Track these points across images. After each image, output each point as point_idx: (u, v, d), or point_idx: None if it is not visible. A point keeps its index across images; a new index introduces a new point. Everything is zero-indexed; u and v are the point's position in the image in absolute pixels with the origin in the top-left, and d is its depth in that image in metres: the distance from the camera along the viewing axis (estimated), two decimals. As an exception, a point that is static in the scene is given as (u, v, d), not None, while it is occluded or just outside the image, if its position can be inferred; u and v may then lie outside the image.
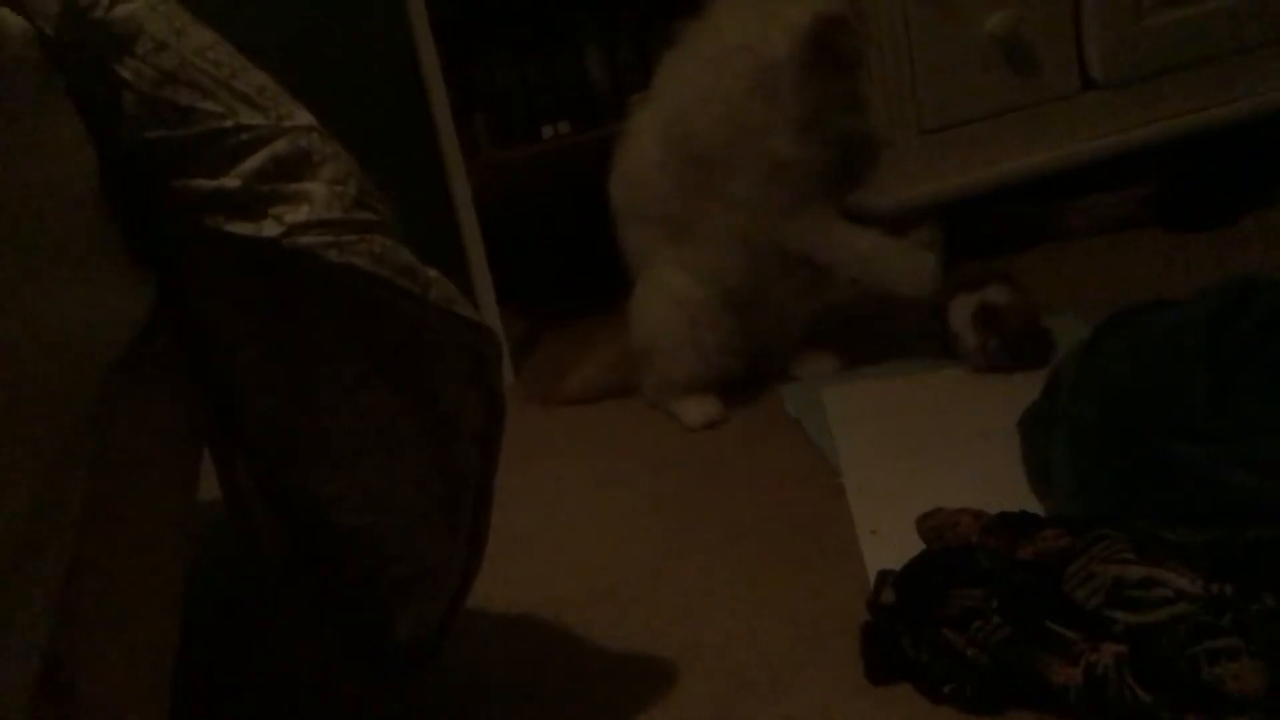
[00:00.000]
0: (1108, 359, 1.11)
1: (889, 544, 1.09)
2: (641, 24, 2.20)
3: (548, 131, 2.10)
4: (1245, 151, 1.94)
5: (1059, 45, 1.90)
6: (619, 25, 2.19)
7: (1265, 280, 1.17)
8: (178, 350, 0.87)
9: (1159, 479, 0.98)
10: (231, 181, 0.79)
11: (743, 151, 1.49)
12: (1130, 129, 1.91)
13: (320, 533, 0.94)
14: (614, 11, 2.19)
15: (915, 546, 1.03)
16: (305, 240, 0.80)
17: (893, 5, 1.83)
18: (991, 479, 1.20)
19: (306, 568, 1.01)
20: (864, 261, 1.53)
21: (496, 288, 1.90)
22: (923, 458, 1.32)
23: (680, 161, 1.54)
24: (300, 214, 0.80)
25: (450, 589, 0.97)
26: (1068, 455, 1.08)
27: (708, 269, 1.55)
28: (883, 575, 0.99)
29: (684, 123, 1.53)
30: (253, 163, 0.79)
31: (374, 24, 1.96)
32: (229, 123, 0.79)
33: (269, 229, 0.79)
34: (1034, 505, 1.10)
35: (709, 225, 1.55)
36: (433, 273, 0.86)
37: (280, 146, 0.80)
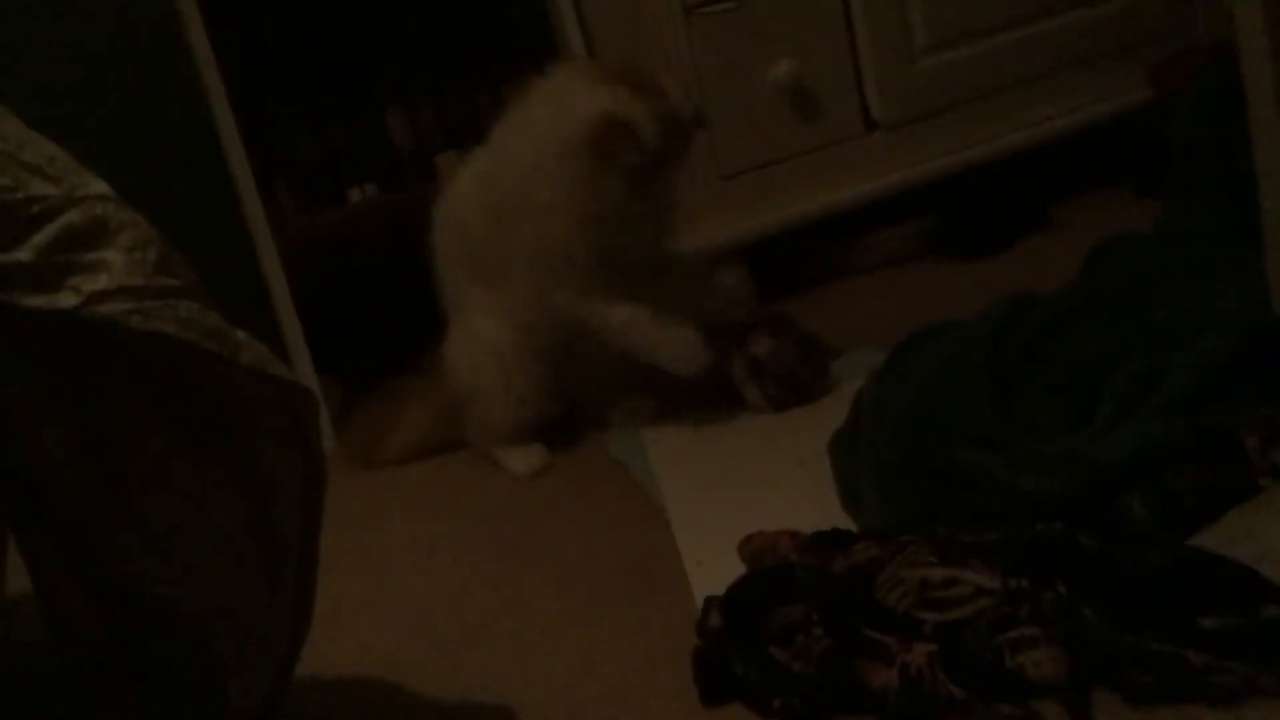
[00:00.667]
0: (899, 382, 1.18)
1: (715, 572, 1.12)
2: (439, 85, 2.22)
3: (355, 195, 2.09)
4: (1016, 180, 2.09)
5: (841, 91, 2.00)
6: (418, 87, 2.21)
7: (1038, 297, 1.26)
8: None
9: (953, 486, 1.04)
10: (24, 254, 0.77)
11: (526, 221, 1.50)
12: (911, 166, 2.03)
13: (138, 610, 0.91)
14: (412, 74, 2.22)
15: (740, 572, 1.07)
16: (106, 309, 0.78)
17: (682, 56, 1.90)
18: (807, 502, 1.25)
19: (126, 651, 0.98)
20: (633, 341, 1.52)
21: (312, 356, 1.87)
22: (742, 489, 1.37)
23: (487, 211, 1.55)
24: (99, 283, 0.78)
25: (278, 656, 0.96)
26: (871, 473, 1.14)
27: (515, 318, 1.57)
28: (709, 601, 1.02)
29: (494, 177, 1.55)
30: (46, 234, 0.78)
31: (169, 98, 1.93)
32: (19, 195, 0.77)
33: (66, 300, 0.78)
34: (847, 523, 1.15)
35: (513, 277, 1.56)
36: (242, 335, 0.85)
37: (74, 216, 0.79)
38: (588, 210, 1.44)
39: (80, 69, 2.01)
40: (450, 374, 1.63)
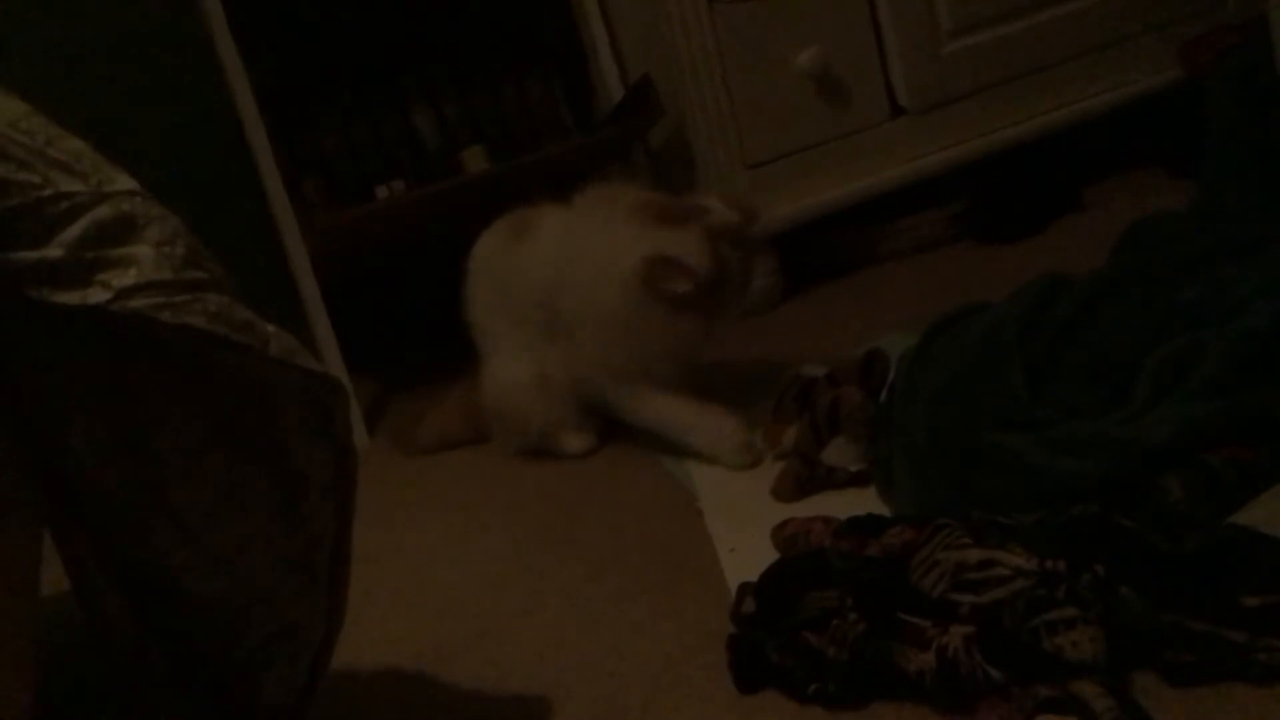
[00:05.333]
0: (931, 363, 1.17)
1: (748, 559, 1.11)
2: (464, 80, 2.23)
3: (382, 192, 2.10)
4: (1048, 163, 2.07)
5: (867, 77, 2.00)
6: (443, 83, 2.21)
7: (1069, 277, 1.25)
8: (8, 431, 0.84)
9: (987, 469, 1.03)
10: (54, 251, 0.78)
11: (579, 325, 1.50)
12: (940, 151, 2.03)
13: (172, 604, 0.92)
14: (436, 70, 2.22)
15: (773, 559, 1.06)
16: (136, 304, 0.79)
17: (706, 47, 1.90)
18: (840, 490, 1.25)
19: (161, 646, 0.99)
20: (684, 435, 1.48)
21: (344, 353, 1.88)
22: (774, 476, 1.36)
23: (547, 287, 1.54)
24: (128, 278, 0.79)
25: (312, 648, 0.96)
26: (904, 458, 1.13)
27: (553, 368, 1.57)
28: (743, 587, 1.02)
29: (557, 283, 1.52)
30: (75, 230, 0.78)
31: (197, 99, 1.95)
32: (47, 192, 0.78)
33: (96, 295, 0.78)
34: (881, 509, 1.15)
35: (558, 343, 1.55)
36: (272, 327, 0.86)
37: (102, 212, 0.79)
38: (642, 338, 1.44)
39: (108, 70, 2.03)
40: (487, 398, 1.64)
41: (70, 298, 0.78)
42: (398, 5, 2.27)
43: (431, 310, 1.75)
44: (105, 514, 0.89)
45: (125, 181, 0.82)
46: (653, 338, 1.43)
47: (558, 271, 1.52)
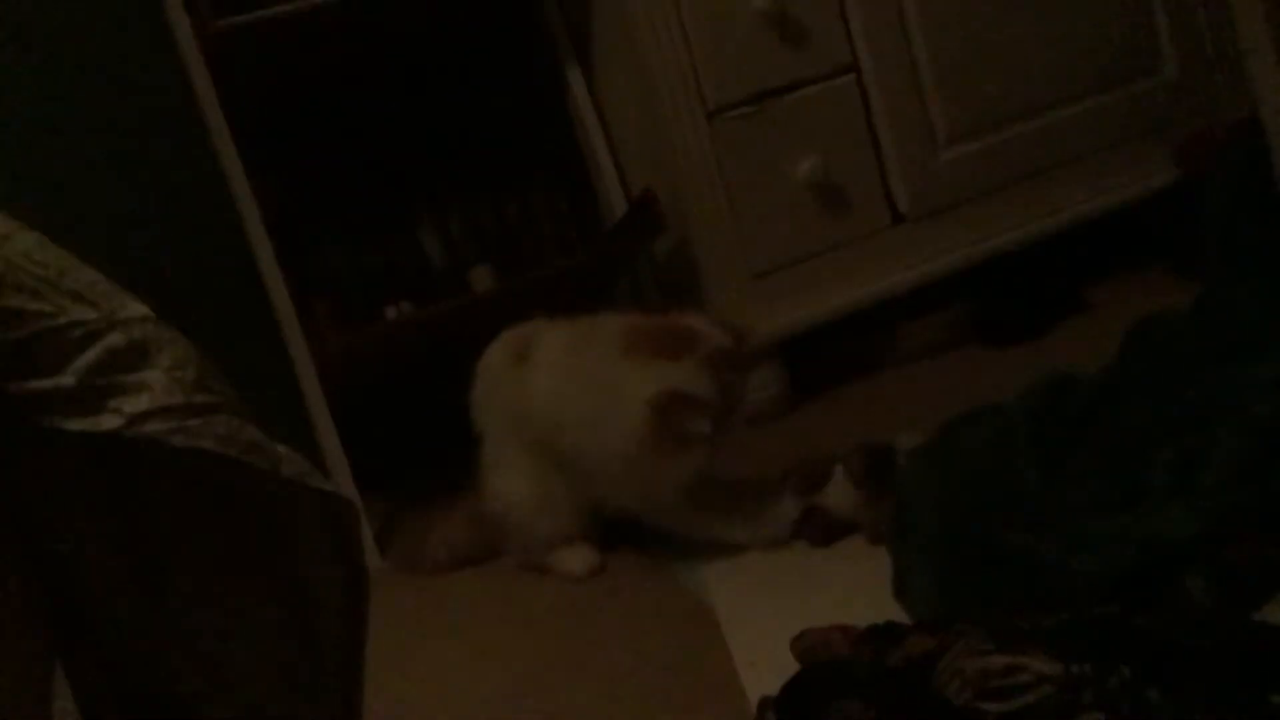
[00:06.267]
0: (942, 464, 1.17)
1: (768, 672, 1.09)
2: (468, 197, 2.26)
3: (391, 312, 2.12)
4: (1050, 265, 2.08)
5: (866, 185, 2.03)
6: (448, 201, 2.25)
7: (1078, 374, 1.25)
8: (19, 559, 0.84)
9: (1004, 569, 1.02)
10: (67, 379, 0.78)
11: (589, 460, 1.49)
12: (941, 256, 2.04)
13: (186, 734, 0.91)
14: (443, 188, 2.26)
15: (793, 671, 1.04)
16: (148, 429, 0.79)
17: (706, 161, 1.93)
18: (857, 597, 1.23)
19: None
20: (720, 529, 1.48)
21: (354, 473, 1.88)
22: (790, 585, 1.34)
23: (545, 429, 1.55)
24: (141, 403, 0.79)
25: (328, 774, 0.94)
26: (919, 562, 1.12)
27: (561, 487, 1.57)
28: (764, 702, 1.00)
29: (557, 420, 1.52)
30: (88, 357, 0.79)
31: (206, 221, 1.98)
32: (60, 320, 0.79)
33: (109, 422, 0.78)
34: (900, 616, 1.13)
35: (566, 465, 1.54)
36: (282, 448, 0.86)
37: (115, 339, 0.80)
38: (651, 474, 1.43)
39: (114, 192, 2.07)
40: (491, 502, 1.63)
41: (83, 425, 0.78)
42: (403, 127, 2.32)
43: (441, 428, 1.75)
44: (118, 643, 0.88)
45: (138, 308, 0.83)
46: (661, 473, 1.42)
47: (557, 409, 1.51)
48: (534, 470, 1.58)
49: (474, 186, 2.27)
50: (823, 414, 1.99)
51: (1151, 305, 1.61)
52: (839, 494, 1.40)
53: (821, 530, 1.40)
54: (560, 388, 1.52)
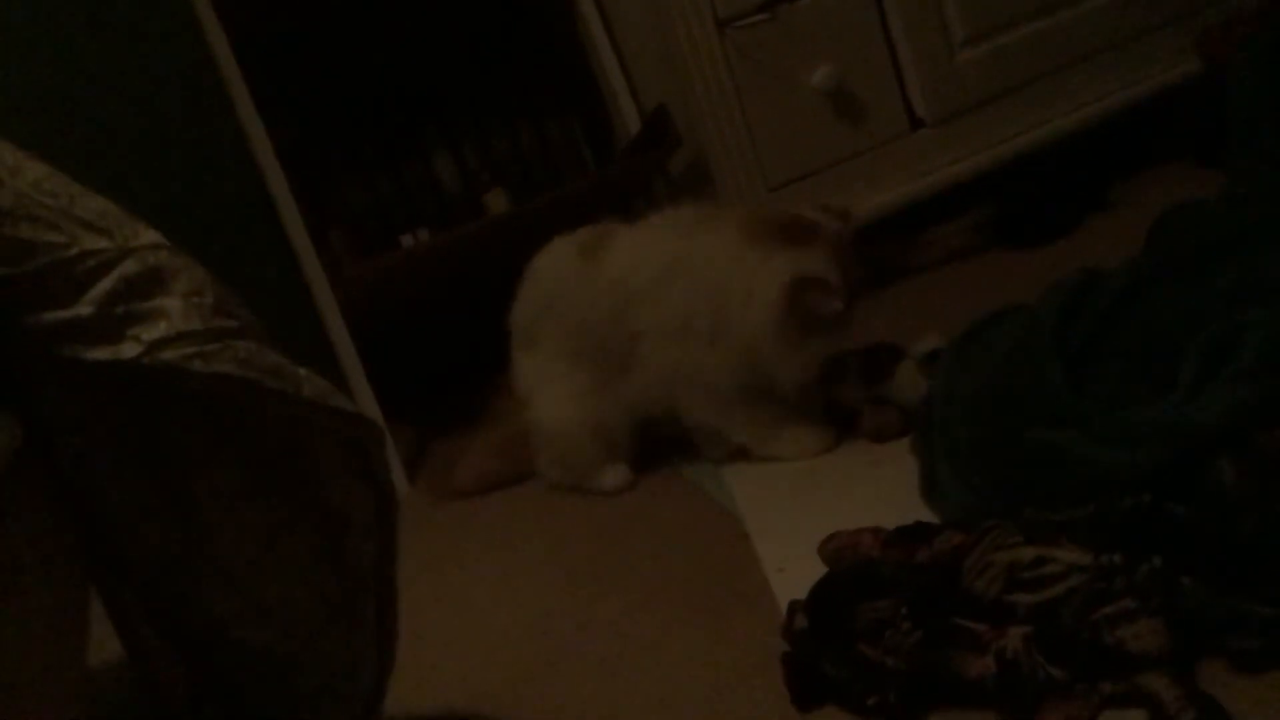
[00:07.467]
0: (969, 367, 1.16)
1: (797, 577, 1.09)
2: (481, 123, 2.25)
3: (407, 240, 2.11)
4: (1073, 163, 2.05)
5: (883, 91, 1.99)
6: (461, 128, 2.23)
7: (1102, 271, 1.23)
8: (50, 492, 0.85)
9: (1034, 467, 1.02)
10: (84, 309, 0.78)
11: (695, 344, 1.45)
12: (962, 160, 2.01)
13: (221, 656, 0.92)
14: (455, 115, 2.24)
15: (822, 575, 1.05)
16: (167, 355, 0.79)
17: (719, 73, 1.90)
18: (884, 500, 1.23)
19: (214, 700, 0.98)
20: (754, 445, 1.49)
21: (380, 403, 1.89)
22: (817, 492, 1.35)
23: (617, 326, 1.50)
24: (159, 330, 0.79)
25: (364, 692, 0.95)
26: (947, 464, 1.11)
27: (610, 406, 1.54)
28: (794, 604, 1.00)
29: (650, 303, 1.48)
30: (103, 287, 0.79)
31: (219, 158, 1.98)
32: (74, 250, 0.78)
33: (128, 350, 0.78)
34: (928, 517, 1.13)
35: (628, 372, 1.51)
36: (303, 371, 0.86)
37: (129, 267, 0.80)
38: (780, 360, 1.41)
39: (127, 131, 2.06)
40: (532, 424, 1.61)
41: (102, 354, 0.78)
42: (413, 54, 2.29)
43: (464, 354, 1.75)
44: (149, 568, 0.89)
45: (150, 235, 0.83)
46: (791, 359, 1.41)
47: (652, 301, 1.46)
48: (587, 388, 1.54)
49: (486, 111, 2.25)
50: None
51: (1177, 198, 1.59)
52: (906, 385, 1.40)
53: (891, 423, 1.40)
54: (659, 279, 1.46)
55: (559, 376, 1.57)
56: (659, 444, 1.60)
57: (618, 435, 1.56)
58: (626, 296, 1.48)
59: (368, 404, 1.85)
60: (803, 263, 1.37)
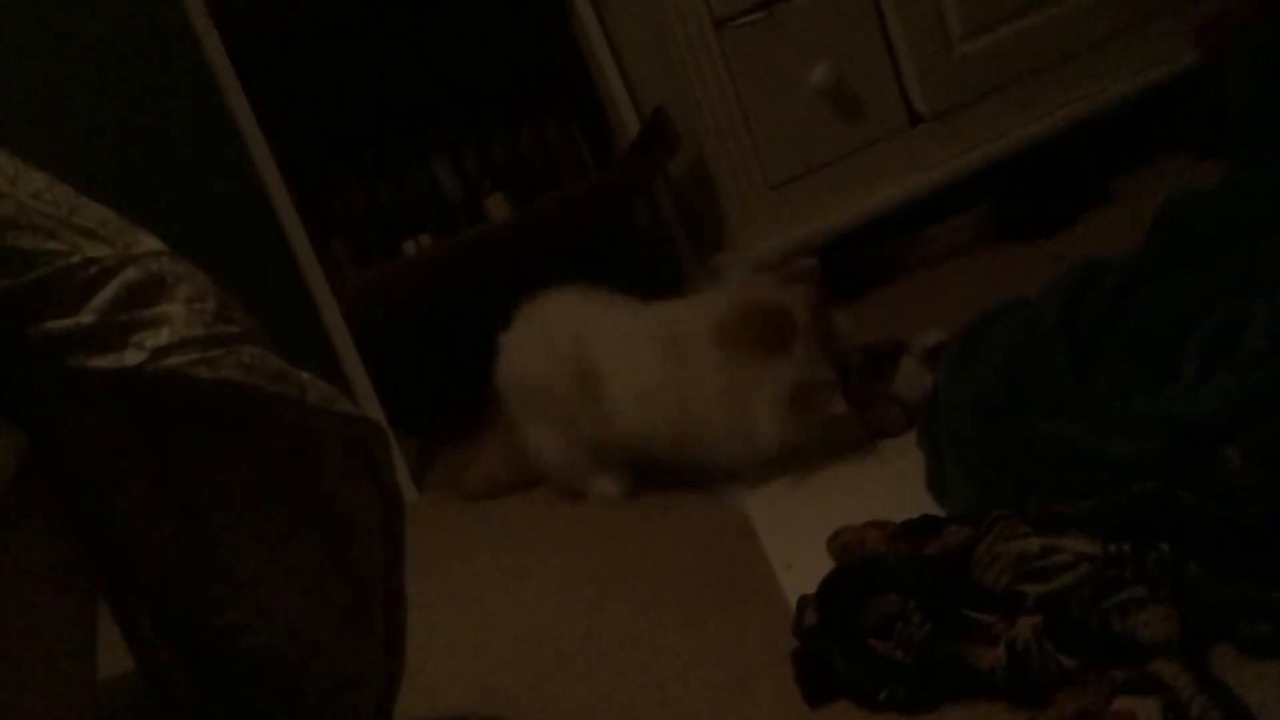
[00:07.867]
0: (974, 361, 1.16)
1: (806, 573, 1.09)
2: (480, 128, 2.24)
3: (409, 246, 2.11)
4: (1073, 156, 2.05)
5: (881, 87, 1.99)
6: (461, 133, 2.23)
7: (1105, 263, 1.23)
8: (56, 502, 0.85)
9: (1040, 459, 1.01)
10: (87, 317, 0.78)
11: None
12: (961, 155, 2.01)
13: (229, 664, 0.92)
14: (454, 120, 2.24)
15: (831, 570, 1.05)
16: (171, 362, 0.79)
17: (717, 72, 1.90)
18: (891, 495, 1.23)
19: (223, 707, 0.98)
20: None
21: (386, 412, 1.89)
22: (824, 488, 1.35)
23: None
24: (162, 337, 0.79)
25: (374, 697, 0.95)
26: (954, 457, 1.11)
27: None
28: (803, 600, 1.00)
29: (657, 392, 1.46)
30: (105, 294, 0.79)
31: (220, 168, 1.98)
32: (75, 259, 0.78)
33: (131, 357, 0.78)
34: (936, 511, 1.13)
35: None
36: (307, 376, 0.86)
37: (131, 274, 0.80)
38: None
39: (127, 142, 2.07)
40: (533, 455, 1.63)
41: (106, 362, 0.78)
42: (412, 61, 2.29)
43: (469, 359, 1.75)
44: (157, 576, 0.89)
45: (151, 242, 0.83)
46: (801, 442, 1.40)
47: (649, 424, 1.46)
48: (571, 435, 1.56)
49: (485, 117, 2.25)
50: (849, 320, 1.97)
51: (1178, 189, 1.58)
52: (910, 380, 1.40)
53: (896, 418, 1.40)
54: (652, 402, 1.45)
55: (543, 429, 1.60)
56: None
57: (610, 455, 1.56)
58: (631, 418, 1.48)
59: (373, 412, 1.85)
60: (790, 370, 1.35)
